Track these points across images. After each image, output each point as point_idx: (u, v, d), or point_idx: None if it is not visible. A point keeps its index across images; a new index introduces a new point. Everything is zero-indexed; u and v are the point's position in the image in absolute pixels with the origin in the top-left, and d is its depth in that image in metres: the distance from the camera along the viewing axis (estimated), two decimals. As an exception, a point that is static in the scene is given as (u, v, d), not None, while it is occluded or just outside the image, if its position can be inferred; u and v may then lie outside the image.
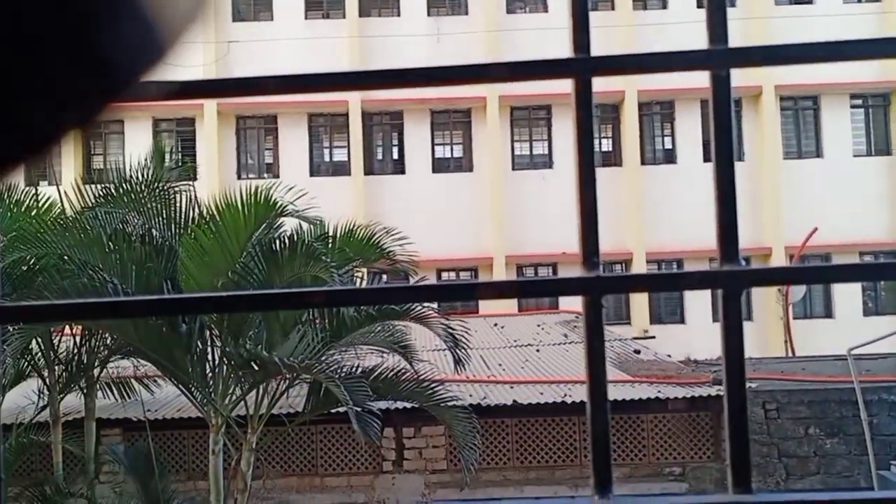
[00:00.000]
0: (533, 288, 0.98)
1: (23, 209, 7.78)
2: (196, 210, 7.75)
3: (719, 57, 0.65)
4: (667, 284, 0.90)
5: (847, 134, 23.00)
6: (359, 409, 6.81)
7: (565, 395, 9.28)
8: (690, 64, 0.66)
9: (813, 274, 0.85)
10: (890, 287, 23.20)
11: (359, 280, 8.09)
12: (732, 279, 0.64)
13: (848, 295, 22.78)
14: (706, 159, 23.12)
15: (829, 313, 22.81)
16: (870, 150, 23.27)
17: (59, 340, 8.60)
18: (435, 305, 7.90)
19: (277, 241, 7.02)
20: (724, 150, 0.65)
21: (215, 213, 7.11)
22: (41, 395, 8.54)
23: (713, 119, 0.66)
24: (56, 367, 8.43)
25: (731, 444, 0.59)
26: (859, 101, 23.31)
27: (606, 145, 23.75)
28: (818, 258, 22.86)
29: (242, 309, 0.89)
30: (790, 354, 19.28)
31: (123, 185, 7.79)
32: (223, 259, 7.01)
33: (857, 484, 9.02)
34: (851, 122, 23.07)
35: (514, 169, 23.18)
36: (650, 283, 1.05)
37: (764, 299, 22.62)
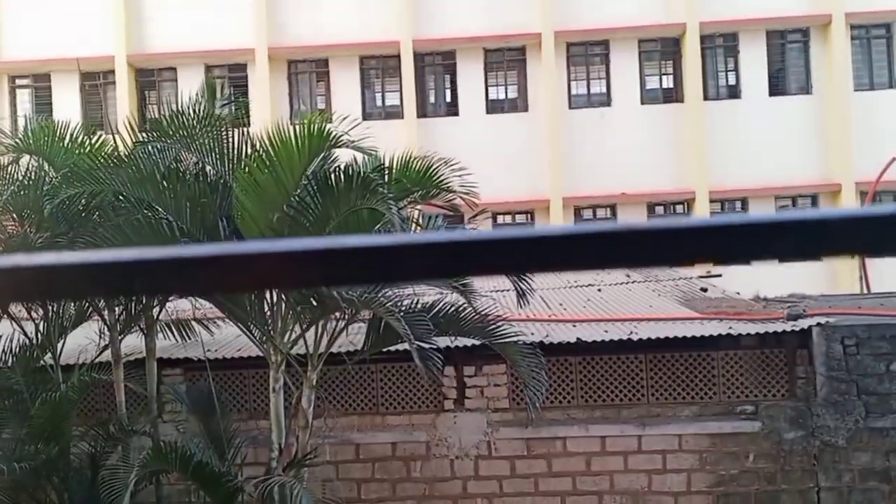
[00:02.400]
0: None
1: (76, 144, 7.66)
2: (249, 145, 7.55)
3: None
4: None
5: (922, 63, 21.82)
6: (420, 345, 6.62)
7: (631, 333, 8.97)
8: None
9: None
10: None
11: (414, 217, 7.84)
12: None
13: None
14: (772, 94, 22.22)
15: (902, 252, 21.87)
16: (947, 79, 22.05)
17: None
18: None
19: (332, 174, 6.79)
20: None
21: (269, 146, 6.89)
22: (102, 336, 8.54)
23: None
24: (116, 308, 8.40)
25: None
26: (936, 28, 22.05)
27: (667, 81, 22.95)
28: (891, 194, 21.93)
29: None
30: (865, 291, 18.59)
31: (176, 120, 7.61)
32: (278, 193, 6.81)
33: (942, 422, 8.61)
34: (927, 50, 21.87)
35: (570, 108, 22.58)
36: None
37: (833, 238, 21.80)
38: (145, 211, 7.10)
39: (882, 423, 8.68)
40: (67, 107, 20.89)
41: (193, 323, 9.32)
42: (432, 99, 23.49)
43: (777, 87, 22.37)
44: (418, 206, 7.87)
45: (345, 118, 6.85)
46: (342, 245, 0.64)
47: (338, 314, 7.53)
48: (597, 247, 0.63)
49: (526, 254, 0.63)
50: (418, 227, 7.46)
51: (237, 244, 0.64)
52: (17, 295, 0.70)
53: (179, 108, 7.72)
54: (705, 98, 22.19)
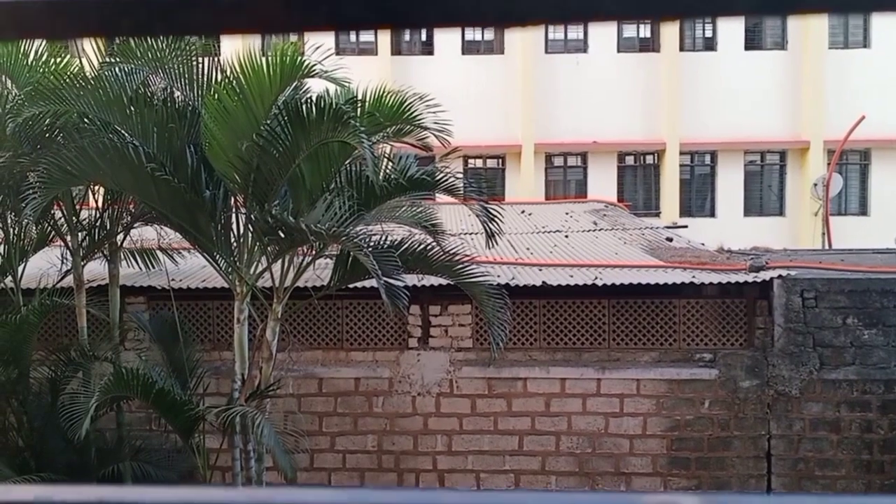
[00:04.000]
0: None
1: (41, 62, 7.44)
2: (220, 72, 7.38)
3: None
4: None
5: (898, 23, 21.87)
6: (388, 282, 6.61)
7: (595, 278, 9.05)
8: None
9: None
10: (929, 186, 22.55)
11: (385, 153, 7.76)
12: None
13: (885, 192, 22.20)
14: (747, 48, 22.20)
15: (864, 211, 22.28)
16: (921, 42, 22.17)
17: (81, 207, 8.42)
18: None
19: (304, 104, 6.67)
20: None
21: (239, 74, 6.73)
22: (64, 261, 8.43)
23: None
24: (79, 233, 8.27)
25: None
26: (914, -11, 22.03)
27: (644, 30, 22.82)
28: (858, 154, 22.20)
29: None
30: (827, 247, 18.92)
31: (145, 42, 7.40)
32: (247, 122, 6.68)
33: (892, 376, 8.84)
34: (904, 11, 21.87)
35: (546, 52, 22.39)
36: None
37: (798, 195, 22.13)
38: (111, 134, 6.94)
39: (835, 374, 8.90)
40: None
41: (158, 252, 9.23)
42: (407, 36, 23.15)
43: (753, 41, 22.37)
44: (390, 143, 7.79)
45: (317, 48, 6.71)
46: None
47: (305, 248, 7.49)
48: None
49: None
50: (389, 164, 7.39)
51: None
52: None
53: (148, 31, 7.51)
54: (681, 49, 22.14)
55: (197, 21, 0.64)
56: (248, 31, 0.62)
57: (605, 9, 0.61)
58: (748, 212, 22.34)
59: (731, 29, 22.15)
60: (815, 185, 21.33)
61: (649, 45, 22.57)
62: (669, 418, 9.07)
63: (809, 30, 21.65)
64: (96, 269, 8.65)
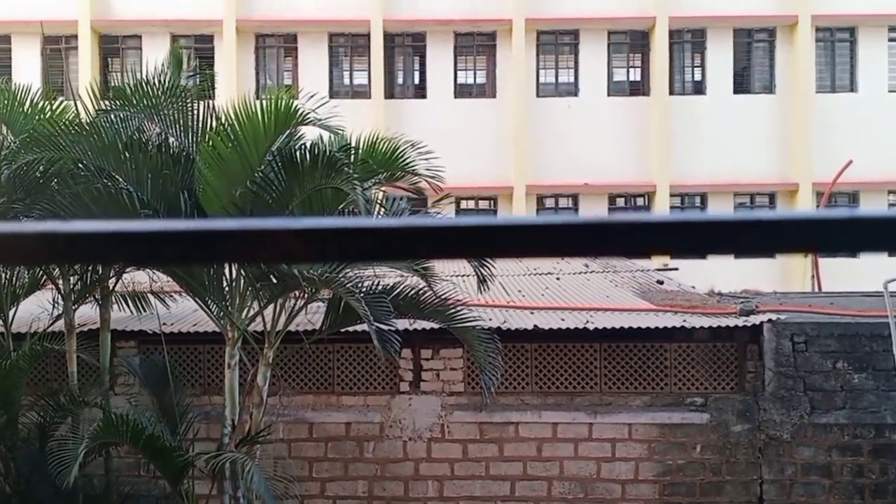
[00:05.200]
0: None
1: (37, 110, 7.52)
2: (214, 118, 7.46)
3: None
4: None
5: (883, 68, 22.25)
6: (379, 327, 6.63)
7: (587, 322, 9.08)
8: None
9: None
10: (918, 228, 22.69)
11: (378, 199, 7.82)
12: None
13: (874, 235, 22.29)
14: (736, 91, 22.50)
15: (854, 253, 22.37)
16: (906, 86, 22.51)
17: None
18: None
19: (298, 151, 6.75)
20: None
21: (234, 120, 6.82)
22: (56, 305, 8.43)
23: None
24: (71, 277, 8.28)
25: None
26: (898, 34, 22.46)
27: (634, 74, 23.12)
28: (846, 196, 22.39)
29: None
30: (816, 290, 18.99)
31: (140, 89, 7.50)
32: (241, 168, 6.76)
33: (883, 420, 8.85)
34: (888, 56, 22.29)
35: (538, 96, 22.64)
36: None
37: (788, 236, 22.22)
38: (105, 181, 7.00)
39: (826, 419, 8.91)
40: (28, 71, 20.42)
41: (150, 295, 9.22)
42: (400, 80, 23.40)
43: (741, 85, 22.68)
44: (383, 188, 7.86)
45: (312, 96, 6.80)
46: (356, 225, 0.69)
47: (297, 292, 7.52)
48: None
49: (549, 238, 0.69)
50: (382, 209, 7.46)
51: (258, 220, 0.70)
52: (43, 257, 0.77)
53: (144, 77, 7.61)
54: (671, 93, 22.41)
55: (231, 252, 0.72)
56: (272, 261, 0.73)
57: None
58: (739, 254, 22.43)
59: (719, 73, 22.47)
60: (805, 226, 21.46)
61: (639, 88, 22.86)
62: (661, 463, 9.05)
63: (797, 74, 21.98)
64: (87, 314, 8.64)
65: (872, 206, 22.12)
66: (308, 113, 6.70)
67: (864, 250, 0.70)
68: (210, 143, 6.91)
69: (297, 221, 0.67)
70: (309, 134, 7.20)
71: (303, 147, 6.81)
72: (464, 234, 0.69)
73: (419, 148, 7.19)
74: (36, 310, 8.63)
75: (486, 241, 0.69)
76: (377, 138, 7.17)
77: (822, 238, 0.71)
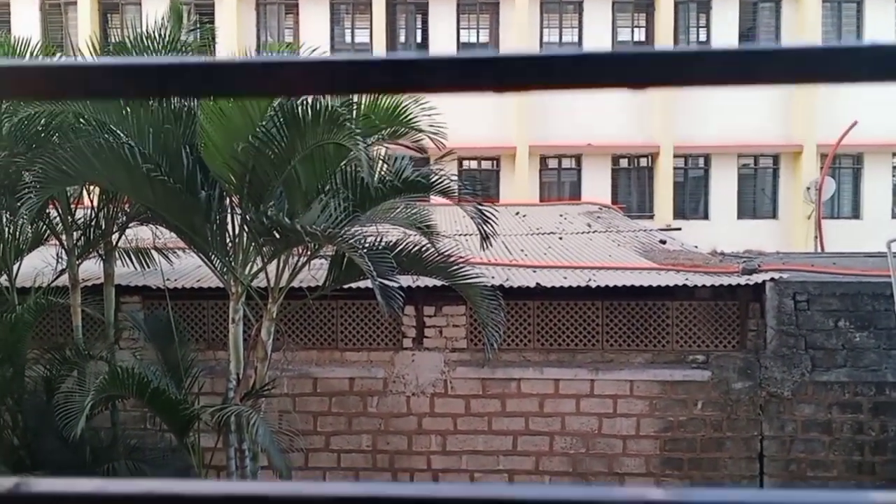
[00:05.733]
0: None
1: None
2: (216, 73, 7.40)
3: None
4: None
5: (889, 30, 22.00)
6: (383, 283, 6.64)
7: (589, 280, 9.09)
8: None
9: None
10: (922, 190, 22.68)
11: (380, 155, 7.79)
12: None
13: (877, 196, 22.29)
14: (741, 51, 22.26)
15: (857, 214, 22.37)
16: (914, 47, 22.24)
17: (76, 206, 8.44)
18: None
19: (300, 106, 6.70)
20: None
21: (236, 74, 6.76)
22: (59, 260, 8.45)
23: None
24: (74, 233, 8.29)
25: None
26: (906, -5, 22.18)
27: (639, 34, 22.90)
28: (851, 158, 22.29)
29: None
30: (819, 251, 19.00)
31: (141, 43, 7.44)
32: (243, 123, 6.71)
33: (883, 378, 8.90)
34: (895, 19, 22.04)
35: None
36: None
37: (791, 198, 22.20)
38: (106, 135, 6.96)
39: (827, 376, 8.96)
40: (27, 27, 20.24)
41: (153, 252, 9.24)
42: (402, 38, 23.18)
43: (747, 46, 22.43)
44: (385, 145, 7.82)
45: (314, 49, 6.74)
46: (364, 59, 0.69)
47: (300, 248, 7.52)
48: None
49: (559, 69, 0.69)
50: (384, 166, 7.43)
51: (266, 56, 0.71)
52: (51, 91, 0.77)
53: (144, 32, 7.55)
54: (676, 53, 22.16)
55: (239, 84, 0.71)
56: (277, 94, 0.72)
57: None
58: (741, 215, 22.41)
59: (724, 33, 22.23)
60: (808, 188, 21.42)
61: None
62: (662, 419, 9.12)
63: (803, 34, 21.75)
64: (91, 269, 8.66)
65: (876, 168, 22.05)
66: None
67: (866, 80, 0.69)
68: (211, 98, 6.85)
69: (306, 56, 0.67)
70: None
71: (304, 102, 6.75)
72: (473, 66, 0.68)
73: (422, 104, 7.14)
74: (40, 264, 8.66)
75: (495, 72, 0.69)
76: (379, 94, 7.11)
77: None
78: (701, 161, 22.58)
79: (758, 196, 22.67)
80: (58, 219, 8.25)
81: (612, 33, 22.53)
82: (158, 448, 8.89)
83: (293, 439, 8.08)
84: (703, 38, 22.74)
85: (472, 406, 9.16)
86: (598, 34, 22.33)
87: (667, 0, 21.81)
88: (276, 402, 8.67)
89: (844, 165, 22.31)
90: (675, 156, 22.12)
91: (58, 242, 8.39)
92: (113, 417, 8.49)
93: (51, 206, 8.17)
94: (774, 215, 22.48)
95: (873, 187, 22.22)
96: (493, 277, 8.81)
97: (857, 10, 22.22)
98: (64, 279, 8.31)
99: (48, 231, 8.40)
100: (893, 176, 22.49)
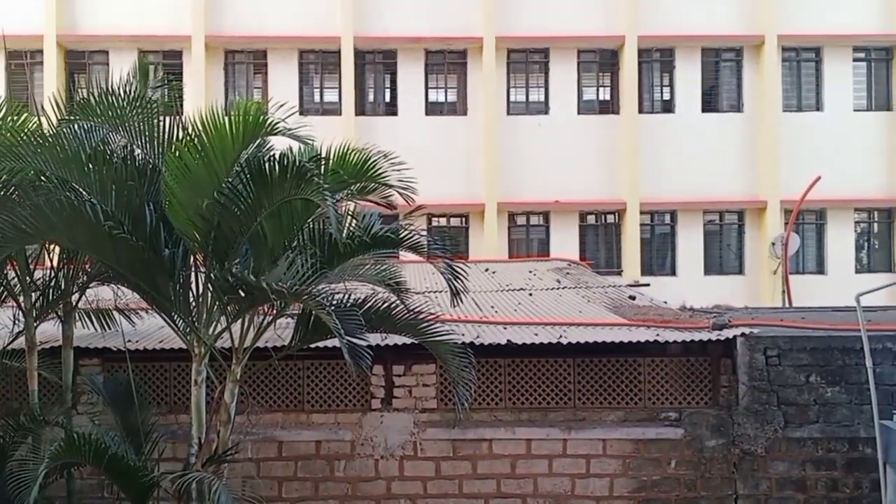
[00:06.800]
0: None
1: (-4, 119, 7.33)
2: (181, 129, 7.30)
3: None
4: None
5: (848, 87, 22.62)
6: (351, 341, 6.47)
7: (560, 337, 9.00)
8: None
9: None
10: (883, 244, 23.07)
11: (349, 211, 7.69)
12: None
13: (841, 252, 22.61)
14: (704, 110, 22.71)
15: (821, 269, 22.65)
16: (870, 105, 22.93)
17: (35, 267, 8.21)
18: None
19: (267, 162, 6.60)
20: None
21: (201, 131, 6.66)
22: (16, 322, 8.18)
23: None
24: (32, 294, 8.05)
25: None
26: (862, 55, 22.91)
27: (604, 93, 23.29)
28: (814, 213, 22.65)
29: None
30: (787, 305, 19.12)
31: (105, 99, 7.33)
32: (209, 179, 6.59)
33: (856, 434, 8.84)
34: (853, 76, 22.67)
35: (508, 114, 22.70)
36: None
37: (757, 253, 22.44)
38: (67, 192, 6.80)
39: (800, 433, 8.89)
40: (-10, 85, 20.11)
41: (114, 312, 9.01)
42: (371, 97, 23.35)
43: (710, 103, 22.91)
44: (354, 201, 7.73)
45: (281, 105, 6.68)
46: None
47: (266, 307, 7.35)
48: None
49: None
50: (353, 221, 7.33)
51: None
52: None
53: (109, 88, 7.45)
54: (640, 111, 22.59)
55: None
56: None
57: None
58: (708, 270, 22.60)
59: (688, 92, 22.69)
60: (774, 244, 21.68)
61: (609, 107, 23.02)
62: (636, 479, 8.96)
63: (764, 93, 22.25)
64: (49, 331, 8.40)
65: (839, 224, 22.41)
66: (277, 123, 6.56)
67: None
68: (177, 154, 6.74)
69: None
70: (278, 145, 7.06)
71: (272, 158, 6.67)
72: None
73: (391, 159, 7.09)
74: (-5, 327, 8.40)
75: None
76: (348, 149, 7.05)
77: None
78: (667, 217, 22.82)
79: (724, 252, 22.89)
80: (15, 279, 8.01)
81: (578, 92, 22.88)
82: (116, 517, 8.54)
83: (257, 506, 7.79)
84: (666, 96, 23.20)
85: (442, 468, 8.94)
86: (564, 93, 22.67)
87: (630, 59, 22.24)
88: (239, 468, 8.38)
89: (808, 221, 22.65)
90: (642, 212, 22.34)
91: (15, 304, 8.13)
92: (69, 486, 8.14)
93: (8, 267, 7.94)
94: (741, 271, 22.68)
95: (837, 242, 22.55)
96: (463, 334, 8.69)
97: (817, 67, 22.81)
98: (20, 342, 8.04)
99: (5, 292, 8.14)
100: (856, 231, 22.86)
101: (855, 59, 22.72)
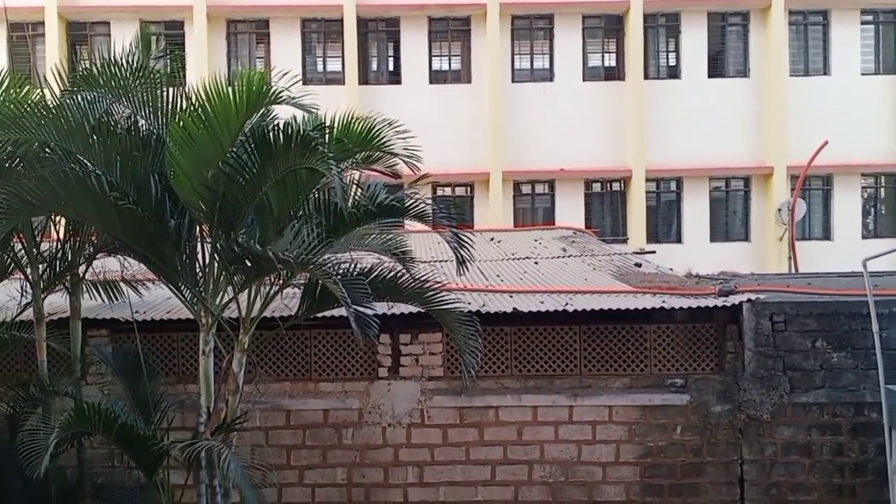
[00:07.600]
0: None
1: (1, 92, 7.29)
2: (185, 99, 7.26)
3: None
4: None
5: (856, 51, 22.39)
6: (358, 310, 6.48)
7: (566, 304, 9.00)
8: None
9: None
10: (890, 210, 22.98)
11: (354, 180, 7.66)
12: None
13: (847, 217, 22.53)
14: (710, 75, 22.52)
15: (827, 235, 22.59)
16: (878, 69, 22.71)
17: (41, 239, 8.22)
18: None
19: (271, 131, 6.58)
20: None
21: (205, 101, 6.62)
22: (24, 294, 8.22)
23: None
24: (39, 265, 8.07)
25: None
26: (870, 17, 22.65)
27: (609, 59, 23.09)
28: (820, 179, 22.53)
29: None
30: (794, 271, 19.10)
31: (108, 70, 7.28)
32: (213, 149, 6.56)
33: (862, 398, 8.86)
34: (861, 39, 22.43)
35: (513, 81, 22.55)
36: None
37: (763, 220, 22.37)
38: (72, 164, 6.79)
39: (805, 398, 8.91)
40: (-8, 57, 20.03)
41: (121, 283, 9.03)
42: (374, 66, 23.22)
43: (716, 69, 22.71)
44: (359, 170, 7.69)
45: (285, 74, 6.63)
46: None
47: (273, 277, 7.36)
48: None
49: None
50: (358, 191, 7.31)
51: None
52: None
53: (112, 59, 7.39)
54: (646, 77, 22.42)
55: None
56: None
57: None
58: (714, 237, 22.56)
59: (694, 57, 22.48)
60: (780, 210, 21.60)
61: (614, 73, 22.83)
62: (642, 445, 9.01)
63: (771, 58, 22.04)
64: (57, 302, 8.44)
65: (846, 189, 22.31)
66: (281, 92, 6.52)
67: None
68: (181, 124, 6.71)
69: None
70: (282, 114, 7.02)
71: (276, 127, 6.64)
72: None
73: (395, 127, 7.04)
74: (3, 298, 8.43)
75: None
76: (353, 117, 7.01)
77: None
78: (673, 184, 22.73)
79: (730, 218, 22.83)
80: (22, 251, 8.03)
81: (583, 58, 22.69)
82: (126, 486, 8.62)
83: (266, 474, 7.85)
84: (672, 61, 23.00)
85: (449, 436, 9.00)
86: (568, 59, 22.49)
87: (636, 24, 22.03)
88: (248, 436, 8.45)
89: (814, 187, 22.55)
90: (648, 179, 22.26)
91: (22, 276, 8.16)
92: (79, 455, 8.22)
93: (15, 239, 7.95)
94: (747, 237, 22.63)
95: (843, 208, 22.46)
96: (469, 303, 8.69)
97: (824, 31, 22.58)
98: (28, 313, 8.08)
99: (12, 264, 8.16)
100: (863, 196, 22.76)
101: (863, 23, 22.48)
